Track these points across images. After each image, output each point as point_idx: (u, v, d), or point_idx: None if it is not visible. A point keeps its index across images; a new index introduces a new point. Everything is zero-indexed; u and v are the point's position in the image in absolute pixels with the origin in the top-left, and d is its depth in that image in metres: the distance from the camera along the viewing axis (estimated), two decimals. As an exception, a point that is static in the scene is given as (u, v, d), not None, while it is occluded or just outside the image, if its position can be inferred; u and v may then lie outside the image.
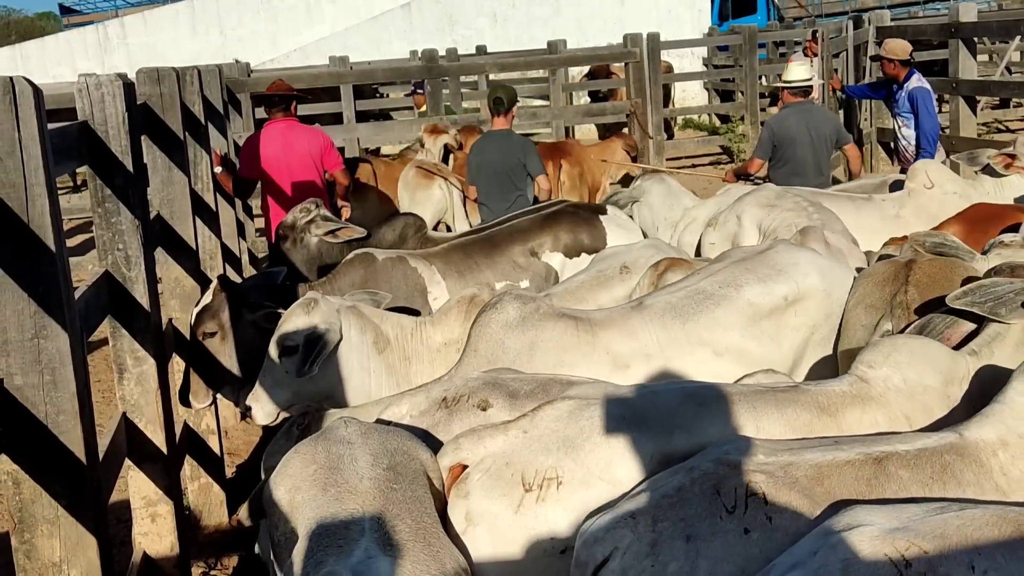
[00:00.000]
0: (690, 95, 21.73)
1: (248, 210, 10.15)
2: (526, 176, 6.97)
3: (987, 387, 2.83)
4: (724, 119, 17.28)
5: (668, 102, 17.21)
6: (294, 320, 4.12)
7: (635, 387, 3.06)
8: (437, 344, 4.25)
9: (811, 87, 7.69)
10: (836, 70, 10.56)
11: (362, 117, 14.78)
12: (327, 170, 7.27)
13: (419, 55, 14.55)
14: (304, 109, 11.57)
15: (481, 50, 19.11)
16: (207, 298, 4.83)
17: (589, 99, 18.06)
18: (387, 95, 19.88)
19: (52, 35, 25.78)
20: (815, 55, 10.36)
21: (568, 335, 3.68)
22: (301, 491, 2.58)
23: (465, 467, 2.81)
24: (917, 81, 8.46)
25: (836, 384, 2.95)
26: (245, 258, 9.05)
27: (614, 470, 2.69)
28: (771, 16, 25.77)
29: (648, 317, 3.77)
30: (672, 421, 2.79)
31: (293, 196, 7.05)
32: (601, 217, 5.75)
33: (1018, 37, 14.78)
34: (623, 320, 3.78)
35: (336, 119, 13.04)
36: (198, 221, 6.01)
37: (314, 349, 4.03)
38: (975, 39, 10.01)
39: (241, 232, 9.13)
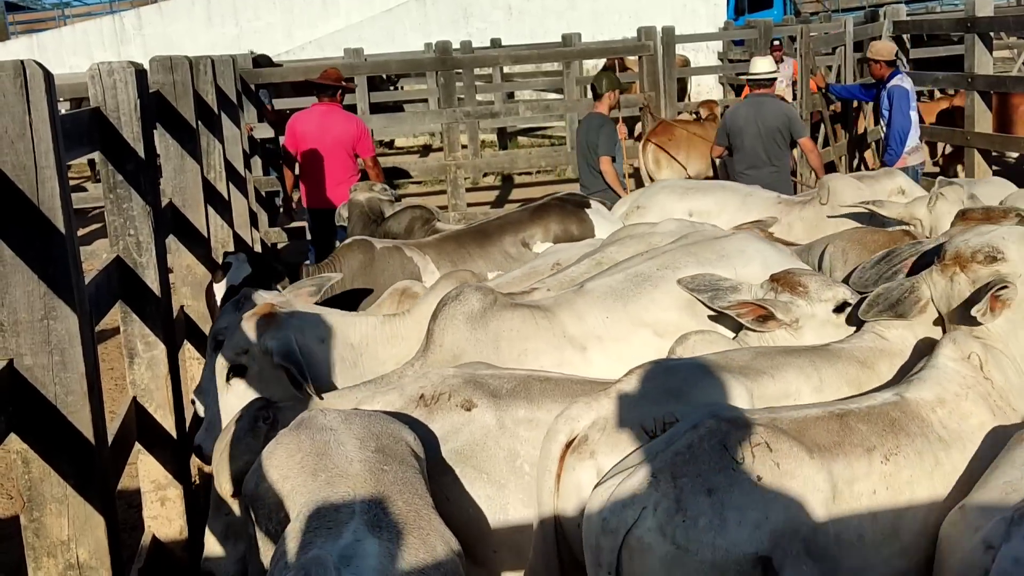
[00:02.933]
0: (705, 89, 21.66)
1: (261, 200, 10.20)
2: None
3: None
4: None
5: (684, 96, 17.18)
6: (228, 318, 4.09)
7: (694, 357, 3.28)
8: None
9: (773, 80, 8.14)
10: (814, 71, 10.52)
11: (376, 109, 14.82)
12: (359, 155, 8.04)
13: (433, 48, 14.55)
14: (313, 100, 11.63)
15: (496, 43, 19.10)
16: (232, 277, 4.86)
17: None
18: (402, 87, 19.93)
19: (69, 26, 25.89)
20: (779, 61, 10.38)
21: (528, 324, 3.67)
22: (290, 480, 2.53)
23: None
24: (897, 81, 8.58)
25: (861, 341, 3.38)
26: (257, 248, 9.10)
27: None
28: (787, 11, 25.66)
29: (592, 300, 3.80)
30: (757, 368, 3.13)
31: (325, 174, 7.92)
32: (587, 210, 5.83)
33: (1036, 32, 14.70)
34: (570, 304, 3.79)
35: (350, 111, 13.06)
36: (210, 210, 6.05)
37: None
38: (992, 34, 9.95)
39: (254, 222, 9.18)
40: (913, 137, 8.53)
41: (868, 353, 3.32)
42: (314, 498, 2.40)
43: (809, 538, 2.51)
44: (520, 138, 19.82)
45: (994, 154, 10.72)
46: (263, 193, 10.22)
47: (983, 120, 9.56)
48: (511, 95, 19.26)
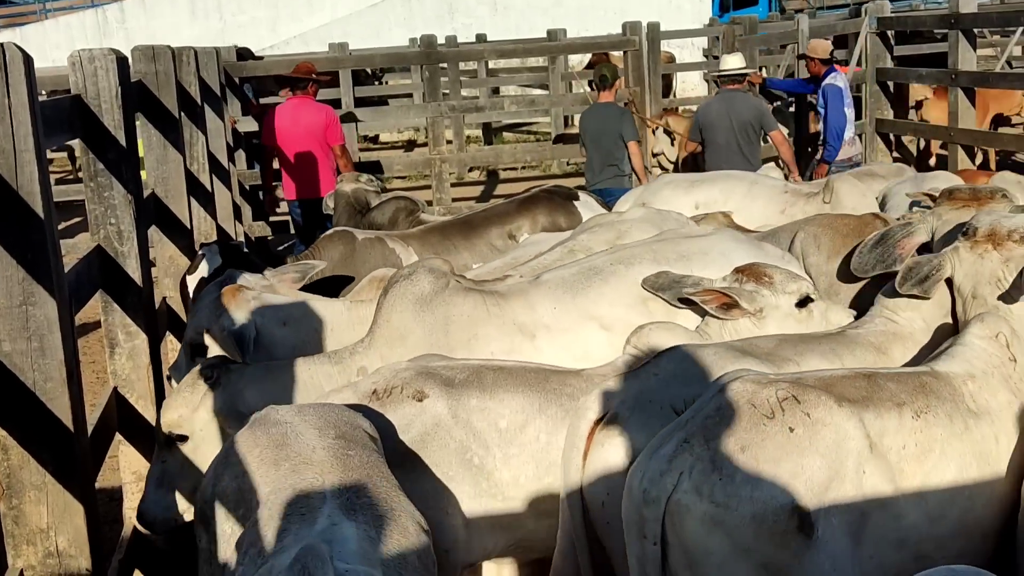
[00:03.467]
0: (690, 86, 21.68)
1: (245, 194, 10.15)
2: (621, 141, 7.87)
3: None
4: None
5: (669, 92, 17.17)
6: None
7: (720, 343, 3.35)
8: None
9: (745, 76, 8.31)
10: (763, 68, 10.66)
11: (361, 103, 14.77)
12: (329, 144, 8.13)
13: (418, 42, 14.52)
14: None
15: (481, 38, 19.06)
16: (211, 263, 4.82)
17: (589, 88, 18.02)
18: (387, 82, 19.88)
19: (51, 20, 25.70)
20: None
21: (480, 309, 3.69)
22: (251, 474, 2.46)
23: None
24: (831, 79, 8.73)
25: (873, 325, 3.49)
26: (241, 240, 9.07)
27: None
28: (772, 7, 25.72)
29: (544, 290, 3.81)
30: (782, 355, 3.19)
31: (303, 165, 8.13)
32: (575, 202, 5.82)
33: (1020, 30, 14.78)
34: (523, 293, 3.81)
35: (335, 105, 13.01)
36: (193, 202, 6.02)
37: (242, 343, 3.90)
38: (975, 31, 9.99)
39: (238, 215, 9.14)
40: (849, 131, 8.71)
41: (882, 338, 3.42)
42: (280, 486, 2.34)
43: (841, 492, 2.53)
44: (505, 134, 19.81)
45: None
46: (247, 187, 10.17)
47: (967, 116, 9.59)
48: (496, 90, 19.23)
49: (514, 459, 3.07)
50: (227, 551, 2.44)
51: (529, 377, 3.20)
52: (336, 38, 17.79)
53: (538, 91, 18.85)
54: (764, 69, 10.86)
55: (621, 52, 11.43)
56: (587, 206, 5.88)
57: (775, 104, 10.73)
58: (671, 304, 3.74)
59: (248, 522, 2.34)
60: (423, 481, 2.95)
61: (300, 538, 2.14)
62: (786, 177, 7.72)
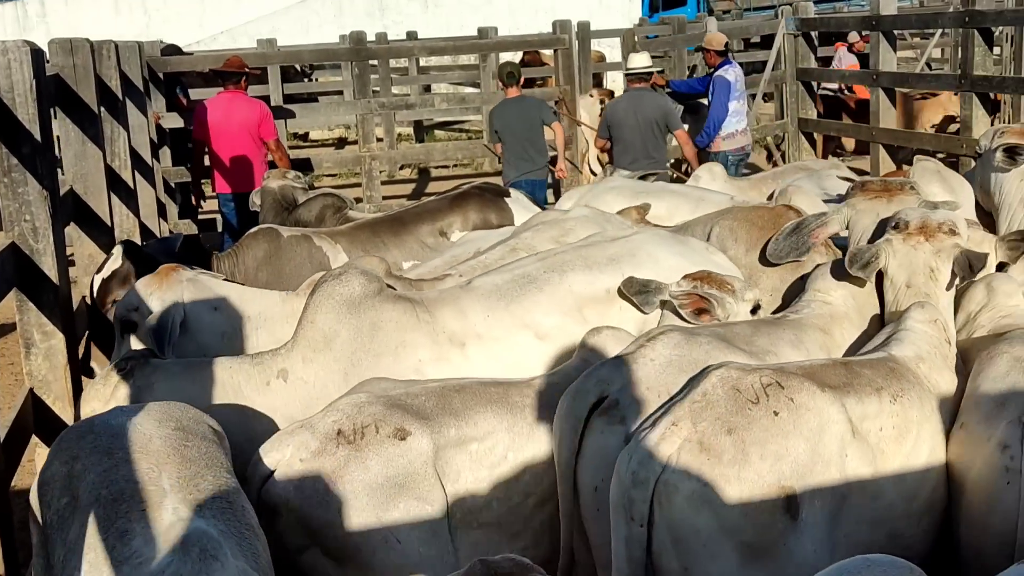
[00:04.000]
0: (621, 85, 21.85)
1: (170, 191, 9.95)
2: (541, 129, 8.17)
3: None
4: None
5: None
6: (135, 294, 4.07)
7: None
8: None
9: (651, 74, 8.57)
10: (662, 70, 10.88)
11: (290, 101, 14.57)
12: (263, 138, 8.20)
13: (347, 39, 14.39)
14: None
15: (412, 35, 18.95)
16: (112, 264, 4.70)
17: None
18: (317, 79, 19.66)
19: (-32, 12, 24.93)
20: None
21: (408, 316, 3.61)
22: (80, 460, 2.34)
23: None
24: (722, 72, 9.04)
25: (812, 308, 3.64)
26: (180, 233, 8.90)
27: None
28: (701, 8, 26.04)
29: (476, 297, 3.76)
30: (761, 346, 3.32)
31: (232, 160, 8.14)
32: (506, 198, 5.81)
33: (938, 32, 15.18)
34: (455, 300, 3.76)
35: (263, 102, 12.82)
36: (114, 198, 5.88)
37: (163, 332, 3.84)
38: (896, 33, 10.23)
39: (163, 213, 8.97)
40: (731, 124, 8.95)
41: (824, 320, 3.61)
42: (111, 477, 2.22)
43: (826, 475, 2.61)
44: (437, 131, 19.74)
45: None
46: (172, 184, 9.98)
47: (887, 116, 9.83)
48: (428, 88, 19.15)
49: (484, 482, 3.04)
50: (54, 536, 2.29)
51: (492, 394, 3.16)
52: (264, 34, 17.50)
53: (470, 89, 18.81)
54: (664, 72, 11.04)
55: (552, 51, 11.45)
56: (519, 203, 5.88)
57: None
58: (640, 310, 3.76)
59: (77, 512, 2.20)
60: (413, 519, 2.88)
61: (149, 537, 2.03)
62: (686, 173, 7.96)
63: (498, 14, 21.90)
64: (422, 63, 19.37)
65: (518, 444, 3.10)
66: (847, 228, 4.16)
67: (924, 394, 2.96)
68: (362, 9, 22.52)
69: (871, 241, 3.85)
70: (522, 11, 22.70)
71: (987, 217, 4.98)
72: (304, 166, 9.96)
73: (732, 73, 9.04)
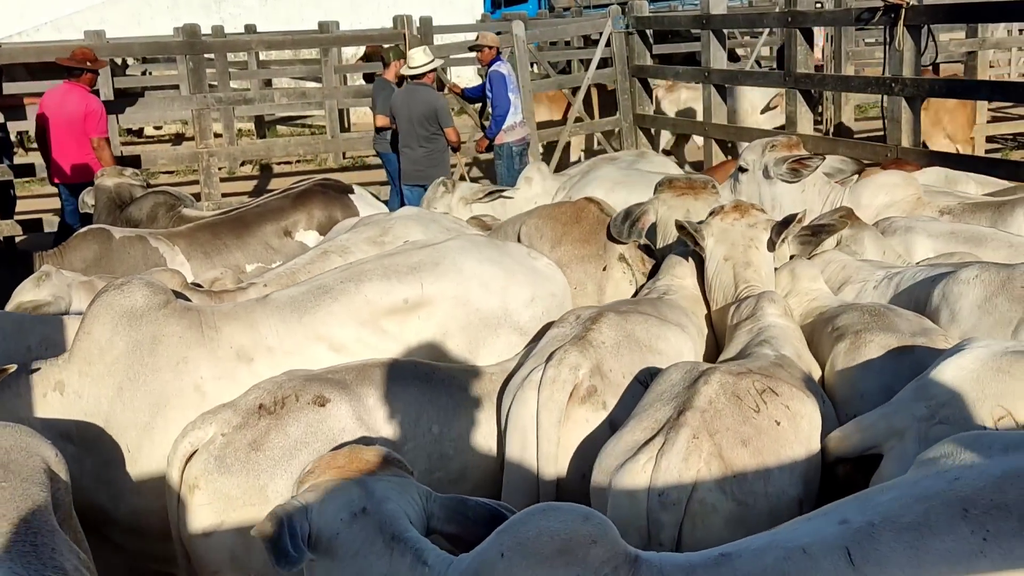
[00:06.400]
0: (464, 80, 21.92)
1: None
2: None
3: None
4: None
5: (443, 87, 17.28)
6: (25, 293, 3.89)
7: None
8: None
9: (425, 72, 8.96)
10: (457, 78, 11.27)
11: (121, 95, 14.00)
12: (88, 135, 8.10)
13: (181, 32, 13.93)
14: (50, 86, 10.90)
15: (250, 29, 18.51)
16: None
17: (364, 81, 17.88)
18: (150, 73, 18.96)
19: None
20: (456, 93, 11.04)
21: (193, 331, 3.48)
22: None
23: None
24: (496, 67, 9.52)
25: (672, 291, 3.90)
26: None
27: None
28: (542, 5, 26.41)
29: (270, 310, 3.67)
30: (682, 323, 3.61)
31: (61, 152, 8.18)
32: (350, 195, 5.77)
33: (766, 32, 15.87)
34: (247, 313, 3.65)
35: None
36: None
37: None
38: (726, 32, 10.64)
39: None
40: (510, 117, 9.44)
41: (687, 301, 3.89)
42: None
43: (816, 474, 2.72)
44: (279, 127, 19.35)
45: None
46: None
47: (719, 112, 10.22)
48: (269, 82, 18.75)
49: (409, 454, 3.01)
50: None
51: (418, 370, 3.20)
52: (92, 25, 16.75)
53: (311, 84, 18.51)
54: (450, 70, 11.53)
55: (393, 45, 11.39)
56: (363, 200, 5.83)
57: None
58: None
59: None
60: None
61: None
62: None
63: (339, 8, 21.65)
64: (262, 57, 18.94)
65: (443, 418, 3.14)
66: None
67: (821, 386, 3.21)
68: (197, 1, 21.84)
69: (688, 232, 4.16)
70: (364, 5, 22.52)
71: None
72: (135, 163, 9.61)
73: (505, 68, 9.56)
